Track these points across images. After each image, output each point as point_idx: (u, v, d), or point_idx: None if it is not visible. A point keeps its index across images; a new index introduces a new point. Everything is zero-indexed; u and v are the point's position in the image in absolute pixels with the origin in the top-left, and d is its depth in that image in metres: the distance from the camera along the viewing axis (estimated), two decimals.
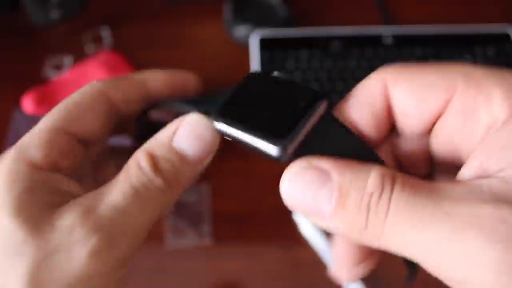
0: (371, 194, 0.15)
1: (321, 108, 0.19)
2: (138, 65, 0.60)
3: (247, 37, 0.61)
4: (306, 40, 0.61)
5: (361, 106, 0.19)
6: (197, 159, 0.21)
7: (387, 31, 0.62)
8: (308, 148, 0.18)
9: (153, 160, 0.20)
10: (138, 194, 0.19)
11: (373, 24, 0.64)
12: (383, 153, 0.20)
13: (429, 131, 0.18)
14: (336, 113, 0.20)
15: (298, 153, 0.18)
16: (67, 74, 0.57)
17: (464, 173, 0.16)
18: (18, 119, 0.52)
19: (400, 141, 0.20)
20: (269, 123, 0.18)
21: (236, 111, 0.20)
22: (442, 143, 0.17)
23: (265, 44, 0.60)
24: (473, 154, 0.16)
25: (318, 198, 0.16)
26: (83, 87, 0.23)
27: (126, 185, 0.19)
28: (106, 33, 0.62)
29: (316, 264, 0.48)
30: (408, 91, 0.17)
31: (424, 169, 0.20)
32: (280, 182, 0.18)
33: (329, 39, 0.61)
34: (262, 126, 0.18)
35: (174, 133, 0.21)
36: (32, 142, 0.21)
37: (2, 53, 0.61)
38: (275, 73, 0.22)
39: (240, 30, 0.61)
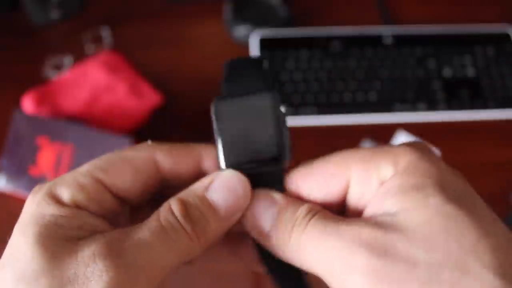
0: (297, 218, 0.21)
1: (272, 104, 0.23)
2: (138, 65, 0.60)
3: (247, 37, 0.61)
4: (306, 40, 0.61)
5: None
6: (228, 213, 0.21)
7: (387, 31, 0.62)
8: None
9: (185, 206, 0.21)
10: (165, 233, 0.20)
11: (373, 24, 0.64)
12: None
13: (338, 202, 0.23)
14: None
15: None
16: (67, 74, 0.57)
17: (364, 214, 0.21)
18: (18, 119, 0.53)
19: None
20: (263, 148, 0.22)
21: (236, 151, 0.22)
22: (351, 203, 0.22)
23: (265, 44, 0.60)
24: (369, 203, 0.21)
25: (263, 218, 0.22)
26: (137, 145, 0.23)
27: (154, 224, 0.20)
28: (106, 33, 0.62)
29: None
30: (316, 185, 0.22)
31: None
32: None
33: (329, 39, 0.61)
34: (261, 155, 0.22)
35: (209, 184, 0.22)
36: (65, 181, 0.21)
37: (2, 53, 0.61)
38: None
39: (240, 30, 0.61)
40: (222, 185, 0.22)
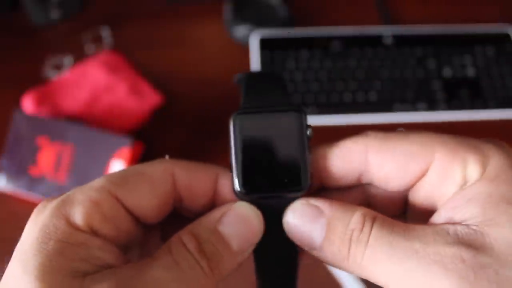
0: (353, 230, 0.19)
1: (299, 126, 0.21)
2: (138, 65, 0.60)
3: (247, 37, 0.61)
4: (306, 40, 0.61)
5: (339, 164, 0.21)
6: (241, 247, 0.20)
7: (387, 31, 0.62)
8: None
9: (198, 241, 0.19)
10: (180, 270, 0.18)
11: (373, 24, 0.64)
12: (355, 194, 0.23)
13: (408, 189, 0.21)
14: (315, 157, 0.22)
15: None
16: (67, 74, 0.57)
17: (435, 218, 0.19)
18: (18, 119, 0.53)
19: (375, 188, 0.23)
20: (283, 174, 0.21)
21: (250, 173, 0.21)
22: (420, 195, 0.20)
23: (265, 44, 0.60)
24: (445, 205, 0.19)
25: (312, 231, 0.20)
26: (154, 161, 0.22)
27: (169, 261, 0.19)
28: (106, 33, 0.62)
29: (316, 264, 0.48)
30: (392, 159, 0.20)
31: (395, 211, 0.23)
32: (284, 216, 0.21)
33: (329, 39, 0.61)
34: (281, 180, 0.21)
35: (221, 217, 0.20)
36: (76, 197, 0.19)
37: (2, 53, 0.61)
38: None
39: (240, 30, 0.61)
40: (235, 219, 0.20)
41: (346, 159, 0.21)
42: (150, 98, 0.56)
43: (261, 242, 0.21)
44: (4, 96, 0.57)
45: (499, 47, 0.62)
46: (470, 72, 0.60)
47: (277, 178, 0.21)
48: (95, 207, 0.19)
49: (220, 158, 0.46)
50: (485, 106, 0.59)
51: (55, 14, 0.62)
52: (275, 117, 0.21)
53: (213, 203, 0.23)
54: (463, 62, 0.61)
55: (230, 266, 0.20)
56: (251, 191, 0.21)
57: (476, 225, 0.17)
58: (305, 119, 0.21)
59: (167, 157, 0.22)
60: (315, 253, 0.20)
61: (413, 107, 0.58)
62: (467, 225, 0.17)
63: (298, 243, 0.21)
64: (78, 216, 0.19)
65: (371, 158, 0.21)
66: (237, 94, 0.23)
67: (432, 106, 0.58)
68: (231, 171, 0.21)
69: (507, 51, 0.61)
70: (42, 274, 0.17)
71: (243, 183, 0.21)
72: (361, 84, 0.59)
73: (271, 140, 0.21)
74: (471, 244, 0.17)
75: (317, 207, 0.20)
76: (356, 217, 0.19)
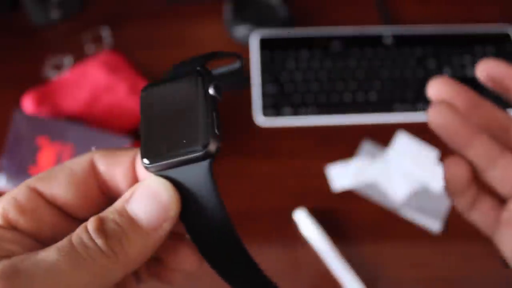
0: None
1: (200, 85, 0.20)
2: (138, 65, 0.60)
3: (247, 37, 0.61)
4: (306, 40, 0.61)
5: None
6: (152, 225, 0.19)
7: (387, 31, 0.62)
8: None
9: (101, 221, 0.18)
10: (74, 251, 0.17)
11: (373, 24, 0.64)
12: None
13: None
14: None
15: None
16: (67, 74, 0.57)
17: None
18: (18, 119, 0.53)
19: None
20: (183, 137, 0.19)
21: (152, 143, 0.20)
22: None
23: (265, 44, 0.60)
24: None
25: None
26: (81, 155, 0.21)
27: (63, 243, 0.18)
28: (106, 33, 0.62)
29: (316, 264, 0.48)
30: None
31: None
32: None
33: (329, 39, 0.61)
34: (181, 143, 0.19)
35: (130, 196, 0.19)
36: (4, 195, 0.20)
37: (2, 53, 0.61)
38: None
39: (240, 30, 0.61)
40: (143, 195, 0.19)
41: None
42: None
43: (190, 219, 0.20)
44: (4, 96, 0.57)
45: (499, 47, 0.62)
46: (470, 72, 0.60)
47: (178, 142, 0.19)
48: (12, 201, 0.19)
49: (220, 158, 0.46)
50: None
51: (55, 14, 0.62)
52: (175, 84, 0.21)
53: None
54: (463, 62, 0.61)
55: (140, 247, 0.19)
56: (154, 160, 0.20)
57: None
58: (206, 80, 0.20)
59: (93, 148, 0.22)
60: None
61: (413, 107, 0.58)
62: None
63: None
64: None
65: None
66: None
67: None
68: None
69: (507, 51, 0.61)
70: None
71: (145, 154, 0.20)
72: (361, 84, 0.59)
73: (172, 108, 0.20)
74: None
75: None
76: None
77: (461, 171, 0.25)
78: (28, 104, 0.54)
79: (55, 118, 0.53)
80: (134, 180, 0.21)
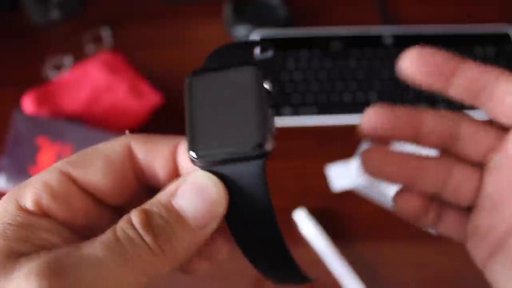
0: None
1: (258, 82, 0.19)
2: (138, 65, 0.60)
3: (247, 37, 0.61)
4: (306, 40, 0.61)
5: None
6: (199, 222, 0.18)
7: (387, 31, 0.62)
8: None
9: (147, 216, 0.17)
10: (121, 246, 0.17)
11: (373, 24, 0.64)
12: None
13: None
14: None
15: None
16: (67, 74, 0.57)
17: None
18: (18, 119, 0.53)
19: None
20: (237, 133, 0.18)
21: (201, 135, 0.19)
22: None
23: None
24: None
25: None
26: (115, 138, 0.20)
27: (109, 236, 0.17)
28: (106, 33, 0.62)
29: (316, 264, 0.48)
30: None
31: None
32: None
33: (329, 39, 0.61)
34: (235, 139, 0.18)
35: (176, 190, 0.18)
36: (30, 181, 0.18)
37: (2, 53, 0.61)
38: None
39: (240, 30, 0.61)
40: (191, 190, 0.18)
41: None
42: (150, 98, 0.56)
43: (234, 215, 0.19)
44: (4, 96, 0.57)
45: (499, 47, 0.62)
46: None
47: (231, 138, 0.18)
48: (44, 187, 0.18)
49: None
50: None
51: (55, 14, 0.62)
52: (228, 73, 0.19)
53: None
54: None
55: (187, 244, 0.18)
56: (203, 154, 0.18)
57: None
58: (262, 73, 0.19)
59: (127, 132, 0.21)
60: None
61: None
62: None
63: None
64: (27, 197, 0.18)
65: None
66: None
67: (432, 106, 0.58)
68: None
69: (507, 51, 0.61)
70: None
71: (193, 147, 0.18)
72: (361, 84, 0.59)
73: (224, 99, 0.19)
74: None
75: None
76: None
77: (412, 205, 0.24)
78: (28, 104, 0.54)
79: (55, 118, 0.54)
80: (174, 170, 0.20)
